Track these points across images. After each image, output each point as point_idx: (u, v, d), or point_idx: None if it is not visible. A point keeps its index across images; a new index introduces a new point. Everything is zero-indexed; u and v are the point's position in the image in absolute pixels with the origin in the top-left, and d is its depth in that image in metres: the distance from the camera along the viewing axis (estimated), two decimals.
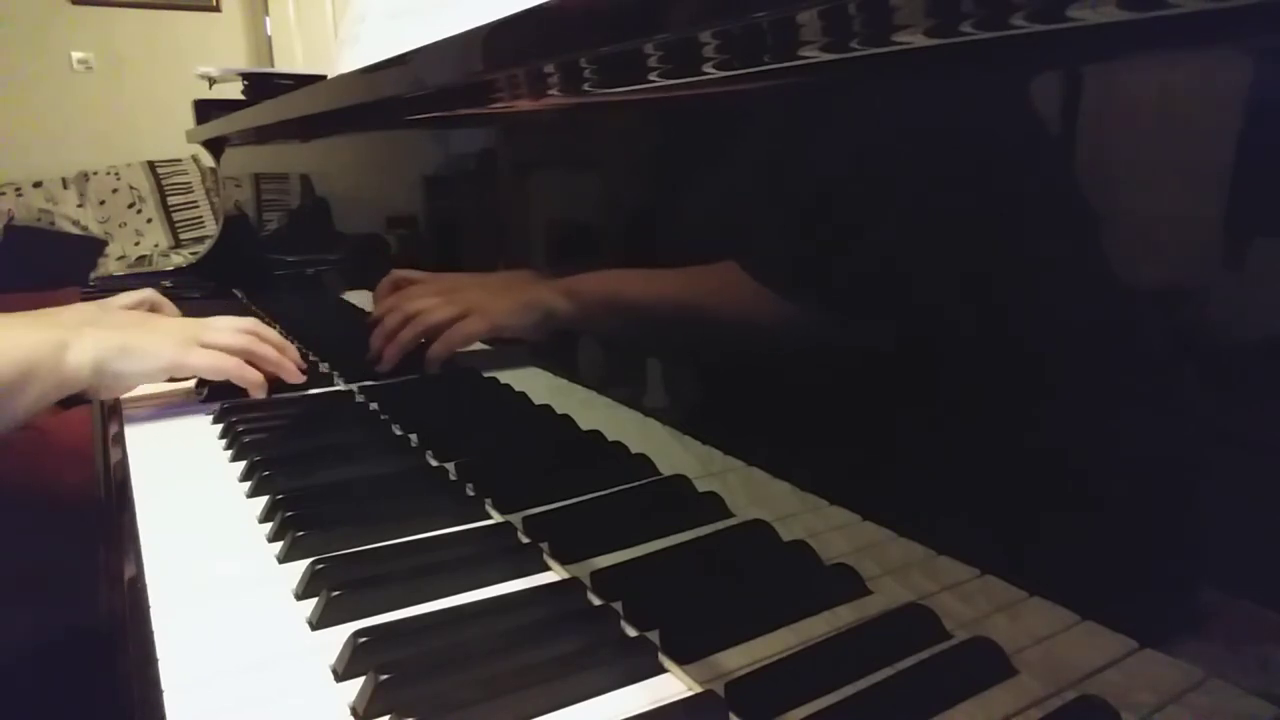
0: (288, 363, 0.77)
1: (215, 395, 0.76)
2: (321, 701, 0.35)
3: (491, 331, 0.67)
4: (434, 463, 0.61)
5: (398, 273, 0.79)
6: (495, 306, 0.66)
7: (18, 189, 3.49)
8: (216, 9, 3.98)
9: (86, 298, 1.31)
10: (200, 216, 3.78)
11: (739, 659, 0.36)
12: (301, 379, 0.78)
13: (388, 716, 0.33)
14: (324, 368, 0.89)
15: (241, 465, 0.60)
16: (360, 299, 0.95)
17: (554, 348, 0.62)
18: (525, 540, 0.48)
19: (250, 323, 0.78)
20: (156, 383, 0.75)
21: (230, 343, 0.74)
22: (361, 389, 0.79)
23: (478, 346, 0.71)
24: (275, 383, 0.76)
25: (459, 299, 0.70)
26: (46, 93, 3.66)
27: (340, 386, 0.81)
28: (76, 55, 3.72)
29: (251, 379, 0.74)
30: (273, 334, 0.79)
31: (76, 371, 0.66)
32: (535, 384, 0.65)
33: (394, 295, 0.77)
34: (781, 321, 0.42)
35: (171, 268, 1.57)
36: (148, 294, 0.93)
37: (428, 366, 0.70)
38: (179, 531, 0.51)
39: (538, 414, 0.63)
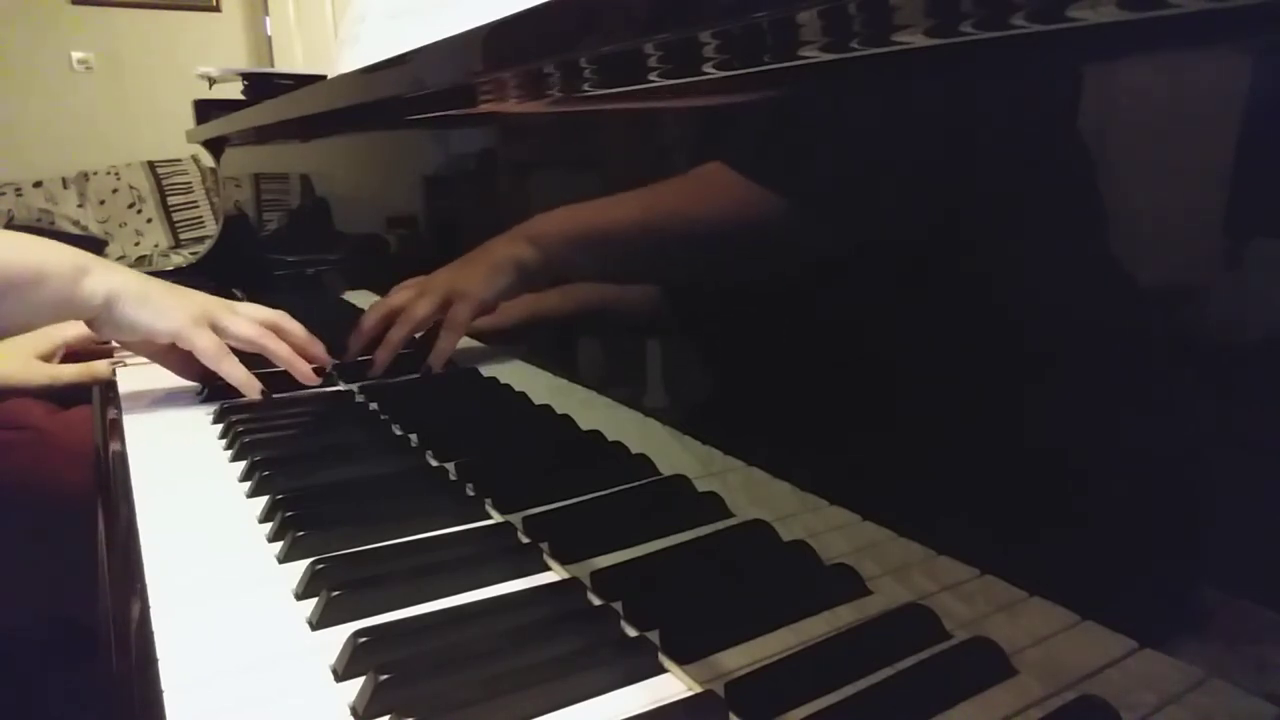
0: (300, 363, 0.75)
1: (215, 396, 0.75)
2: (321, 701, 0.35)
3: (481, 307, 0.67)
4: (434, 463, 0.61)
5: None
6: (472, 281, 0.66)
7: (18, 189, 3.49)
8: (216, 9, 3.99)
9: None
10: (200, 216, 3.78)
11: (739, 659, 0.36)
12: (314, 380, 0.76)
13: (388, 716, 0.33)
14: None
15: (241, 465, 0.60)
16: (361, 299, 0.95)
17: (552, 345, 0.62)
18: (525, 540, 0.48)
19: (275, 315, 0.77)
20: (156, 345, 0.74)
21: (242, 332, 0.73)
22: (362, 389, 0.79)
23: (479, 345, 0.71)
24: (285, 385, 0.75)
25: (436, 287, 0.70)
26: (46, 93, 3.66)
27: (341, 387, 0.81)
28: (76, 55, 3.72)
29: (238, 376, 0.72)
30: (298, 330, 0.77)
31: (89, 298, 0.67)
32: (535, 384, 0.65)
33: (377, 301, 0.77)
34: (767, 235, 0.41)
35: (171, 268, 1.57)
36: None
37: (435, 364, 0.69)
38: (179, 531, 0.51)
39: (538, 414, 0.63)
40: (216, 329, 0.72)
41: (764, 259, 0.42)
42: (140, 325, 0.70)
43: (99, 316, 0.69)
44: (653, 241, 0.48)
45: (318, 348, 0.77)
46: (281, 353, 0.74)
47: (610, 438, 0.57)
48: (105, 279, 0.68)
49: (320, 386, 0.77)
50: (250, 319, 0.75)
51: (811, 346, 0.41)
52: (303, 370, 0.75)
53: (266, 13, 3.96)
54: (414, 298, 0.71)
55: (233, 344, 0.73)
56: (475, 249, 0.66)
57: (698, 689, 0.35)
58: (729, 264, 0.44)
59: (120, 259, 3.49)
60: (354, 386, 0.78)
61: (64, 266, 0.67)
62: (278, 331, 0.75)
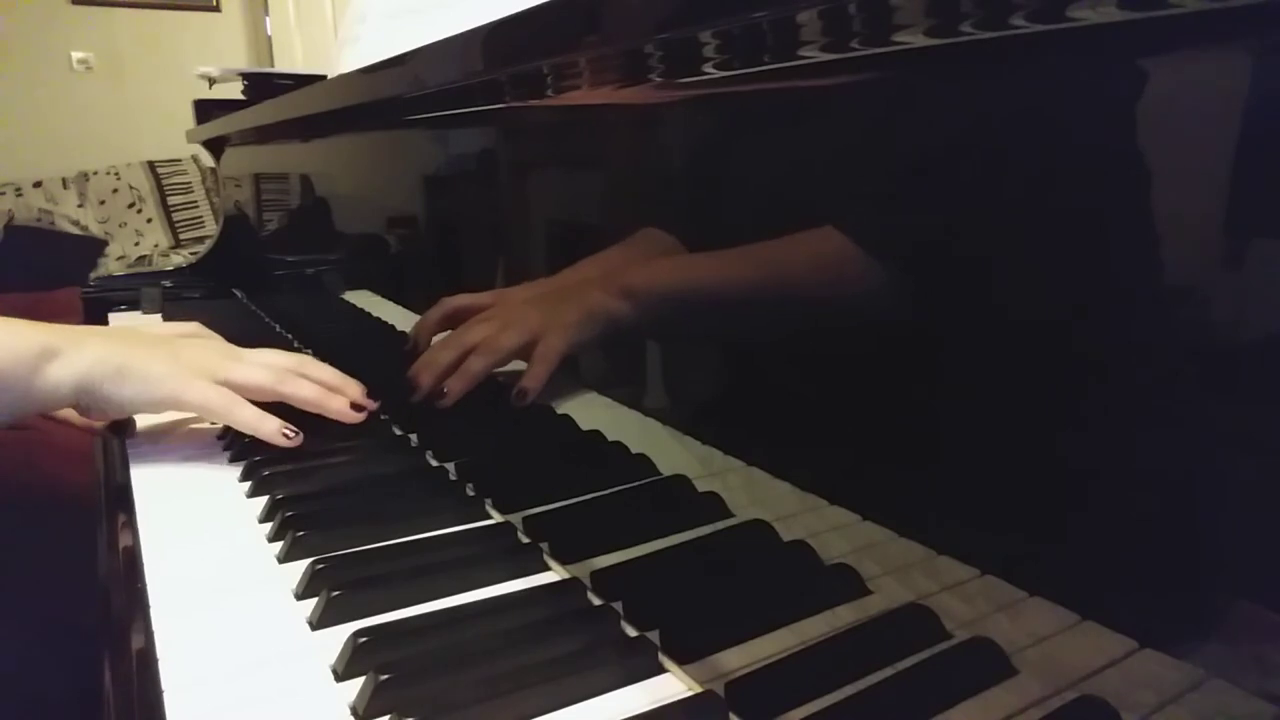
0: (332, 399, 0.64)
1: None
2: (321, 701, 0.35)
3: (569, 349, 0.59)
4: (434, 463, 0.61)
5: (450, 302, 0.70)
6: (564, 321, 0.58)
7: (18, 189, 3.49)
8: (216, 9, 3.99)
9: (86, 298, 1.31)
10: (200, 216, 3.78)
11: (739, 659, 0.36)
12: (354, 417, 0.64)
13: (388, 716, 0.33)
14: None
15: (242, 466, 0.60)
16: (361, 299, 0.96)
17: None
18: (525, 540, 0.48)
19: (295, 359, 0.66)
20: (156, 414, 0.66)
21: (251, 380, 0.62)
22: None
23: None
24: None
25: (522, 320, 0.61)
26: (46, 93, 3.66)
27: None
28: (76, 55, 3.73)
29: (243, 418, 0.61)
30: (325, 372, 0.66)
31: (54, 389, 0.58)
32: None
33: (448, 329, 0.68)
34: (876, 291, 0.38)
35: (171, 268, 1.57)
36: (192, 328, 0.78)
37: (524, 398, 0.60)
38: (179, 531, 0.51)
39: (537, 414, 0.63)
40: (218, 380, 0.62)
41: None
42: (127, 402, 0.61)
43: (76, 404, 0.60)
44: (750, 306, 0.45)
45: (353, 386, 0.66)
46: (303, 394, 0.63)
47: (610, 438, 0.57)
48: (74, 362, 0.59)
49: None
50: (262, 364, 0.64)
51: (811, 347, 0.41)
52: (336, 406, 0.64)
53: (266, 13, 3.96)
54: (497, 330, 0.63)
55: (244, 396, 0.62)
56: (562, 283, 0.59)
57: (698, 689, 0.35)
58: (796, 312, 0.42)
59: (120, 259, 3.49)
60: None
61: (24, 356, 0.57)
62: (292, 372, 0.65)
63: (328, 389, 0.64)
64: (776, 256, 0.42)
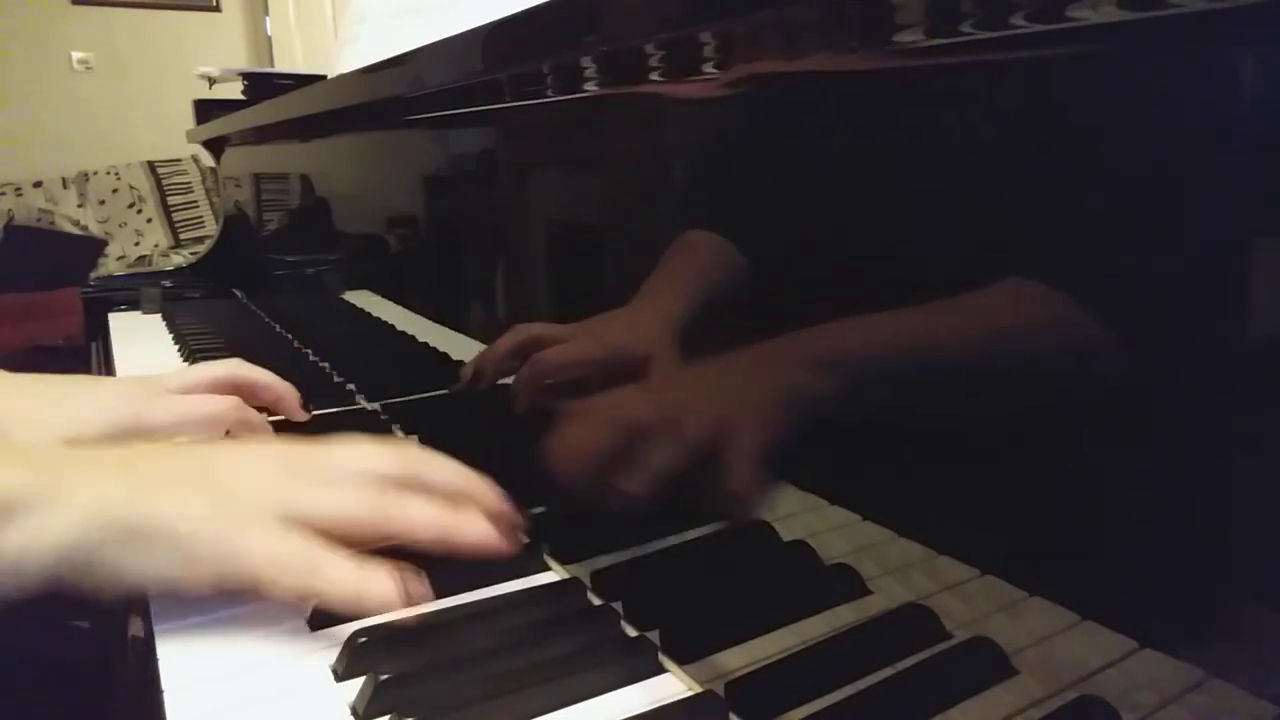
0: (468, 525, 0.41)
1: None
2: (321, 701, 0.35)
3: (770, 442, 0.42)
4: None
5: (528, 331, 0.58)
6: (757, 409, 0.41)
7: (18, 189, 3.49)
8: (216, 9, 3.99)
9: (86, 298, 1.31)
10: (200, 216, 3.78)
11: (739, 659, 0.36)
12: (501, 548, 0.41)
13: (388, 716, 0.33)
14: (324, 367, 0.89)
15: None
16: (361, 299, 0.96)
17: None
18: (525, 540, 0.48)
19: (396, 458, 0.43)
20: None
21: (334, 511, 0.39)
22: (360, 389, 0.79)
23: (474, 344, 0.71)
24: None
25: (697, 402, 0.44)
26: (46, 93, 3.66)
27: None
28: (76, 55, 3.73)
29: (337, 587, 0.37)
30: (444, 469, 0.44)
31: (14, 568, 0.35)
32: None
33: (610, 409, 0.49)
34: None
35: (171, 268, 1.57)
36: (231, 368, 0.61)
37: (739, 509, 0.44)
38: None
39: (536, 413, 0.63)
40: (299, 519, 0.39)
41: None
42: (148, 579, 0.37)
43: (65, 580, 0.36)
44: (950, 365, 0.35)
45: (482, 489, 0.44)
46: (423, 523, 0.40)
47: None
48: (52, 520, 0.35)
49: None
50: (353, 478, 0.41)
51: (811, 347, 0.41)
52: (472, 536, 0.41)
53: (266, 13, 3.96)
54: (671, 413, 0.45)
55: (328, 534, 0.39)
56: (732, 356, 0.44)
57: (698, 689, 0.35)
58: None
59: (120, 259, 3.49)
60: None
61: None
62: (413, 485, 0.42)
63: (453, 501, 0.41)
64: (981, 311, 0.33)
